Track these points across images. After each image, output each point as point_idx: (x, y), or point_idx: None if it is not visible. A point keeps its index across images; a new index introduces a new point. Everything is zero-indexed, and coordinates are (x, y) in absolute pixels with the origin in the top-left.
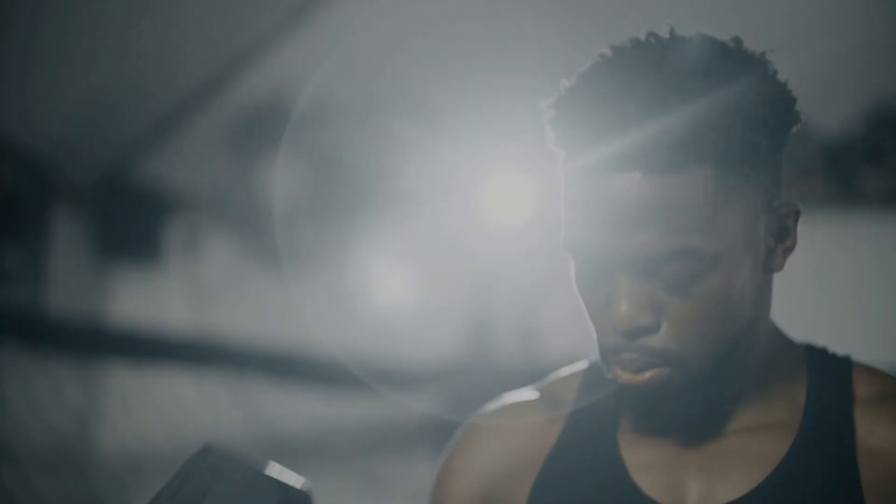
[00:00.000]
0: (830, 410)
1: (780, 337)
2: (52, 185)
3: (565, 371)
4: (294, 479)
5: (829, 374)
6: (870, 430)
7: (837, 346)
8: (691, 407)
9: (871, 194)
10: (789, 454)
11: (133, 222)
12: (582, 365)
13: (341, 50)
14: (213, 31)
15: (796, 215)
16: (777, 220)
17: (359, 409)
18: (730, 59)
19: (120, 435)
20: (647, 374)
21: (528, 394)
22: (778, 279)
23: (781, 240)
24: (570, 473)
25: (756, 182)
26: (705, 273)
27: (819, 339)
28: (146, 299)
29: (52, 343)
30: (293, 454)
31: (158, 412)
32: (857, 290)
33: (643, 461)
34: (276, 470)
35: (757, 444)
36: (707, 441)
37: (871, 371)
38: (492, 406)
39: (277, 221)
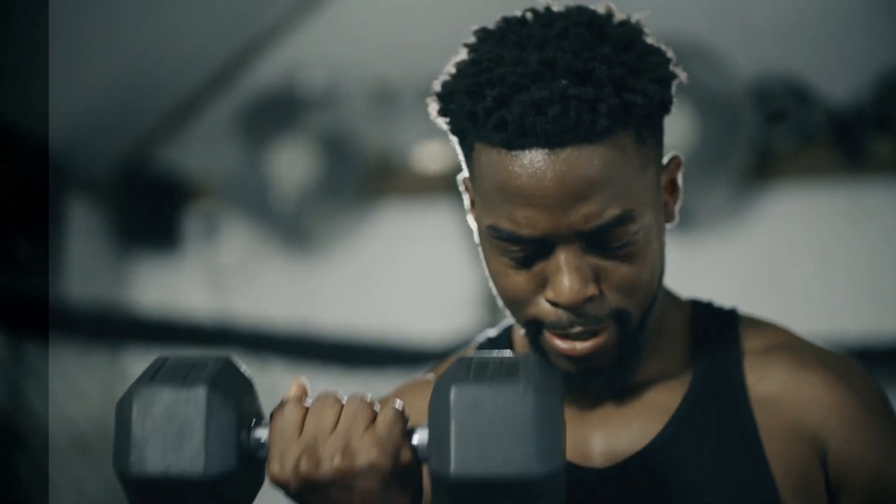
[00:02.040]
0: (720, 362)
1: (668, 293)
2: (68, 176)
3: (458, 354)
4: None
5: (715, 328)
6: (760, 378)
7: (848, 316)
8: (610, 385)
9: (879, 163)
10: (683, 403)
11: (150, 210)
12: (474, 344)
13: (352, 33)
14: (225, 18)
15: (680, 167)
16: (668, 174)
17: (372, 388)
18: (617, 25)
19: None
20: (590, 342)
21: (422, 379)
22: (788, 249)
23: (672, 192)
24: None
25: (657, 140)
26: (638, 234)
27: (830, 309)
28: (165, 286)
29: (72, 331)
30: None
31: None
32: (867, 260)
33: None
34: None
35: (653, 396)
36: (604, 397)
37: (758, 322)
38: (394, 390)
39: (292, 205)
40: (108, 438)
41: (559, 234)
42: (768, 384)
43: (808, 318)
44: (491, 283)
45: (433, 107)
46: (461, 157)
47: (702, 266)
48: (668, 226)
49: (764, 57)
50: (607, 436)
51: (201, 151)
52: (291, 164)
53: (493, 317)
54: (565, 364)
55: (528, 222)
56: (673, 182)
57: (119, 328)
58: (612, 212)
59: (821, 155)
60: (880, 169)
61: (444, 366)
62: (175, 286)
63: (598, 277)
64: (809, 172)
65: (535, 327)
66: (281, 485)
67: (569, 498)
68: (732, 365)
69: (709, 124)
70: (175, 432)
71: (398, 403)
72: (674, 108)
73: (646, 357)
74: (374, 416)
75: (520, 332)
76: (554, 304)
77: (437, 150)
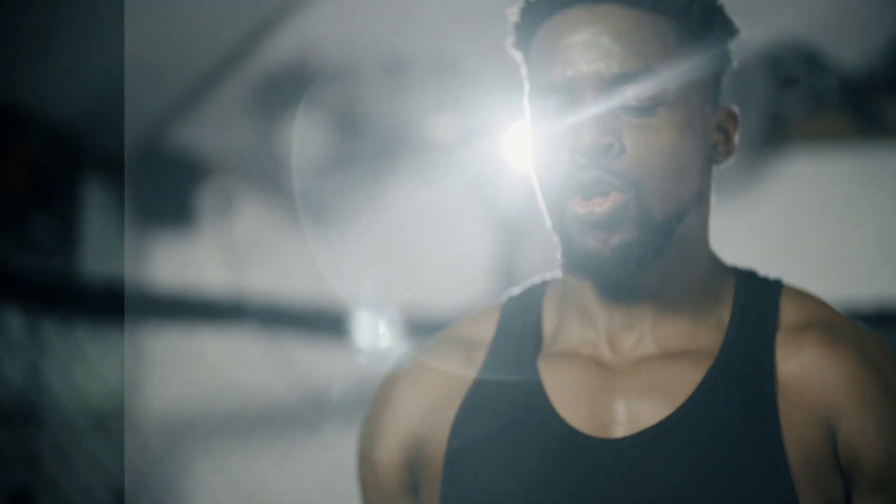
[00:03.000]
0: (752, 336)
1: (713, 255)
2: (84, 155)
3: (481, 309)
4: None
5: (756, 299)
6: (788, 355)
7: (863, 280)
8: (630, 260)
9: (892, 127)
10: (706, 378)
11: (165, 188)
12: (499, 301)
13: (364, 8)
14: None
15: (735, 119)
16: (720, 118)
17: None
18: None
19: (173, 396)
20: (607, 203)
21: (446, 335)
22: (801, 214)
23: (725, 140)
24: (490, 406)
25: (707, 66)
26: (663, 107)
27: (844, 273)
28: (181, 263)
29: (89, 309)
30: (329, 407)
31: (208, 373)
32: (881, 223)
33: (565, 388)
34: None
35: (678, 367)
36: (631, 361)
37: (800, 297)
38: (412, 352)
39: (306, 180)
40: (129, 421)
41: (586, 82)
42: (795, 363)
43: (822, 283)
44: (536, 184)
45: (510, 41)
46: (525, 73)
47: (715, 232)
48: (719, 167)
49: (775, 23)
50: (629, 405)
51: (216, 129)
52: (305, 140)
53: (509, 287)
54: (586, 239)
55: (561, 68)
56: (726, 133)
57: (135, 305)
58: (636, 64)
59: (833, 120)
60: (893, 133)
61: (461, 324)
62: (191, 263)
63: (619, 136)
64: (822, 137)
65: (561, 198)
66: None
67: (586, 472)
68: (765, 339)
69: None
70: None
71: None
72: None
73: (679, 319)
74: None
75: (550, 291)
76: (576, 153)
77: (449, 123)
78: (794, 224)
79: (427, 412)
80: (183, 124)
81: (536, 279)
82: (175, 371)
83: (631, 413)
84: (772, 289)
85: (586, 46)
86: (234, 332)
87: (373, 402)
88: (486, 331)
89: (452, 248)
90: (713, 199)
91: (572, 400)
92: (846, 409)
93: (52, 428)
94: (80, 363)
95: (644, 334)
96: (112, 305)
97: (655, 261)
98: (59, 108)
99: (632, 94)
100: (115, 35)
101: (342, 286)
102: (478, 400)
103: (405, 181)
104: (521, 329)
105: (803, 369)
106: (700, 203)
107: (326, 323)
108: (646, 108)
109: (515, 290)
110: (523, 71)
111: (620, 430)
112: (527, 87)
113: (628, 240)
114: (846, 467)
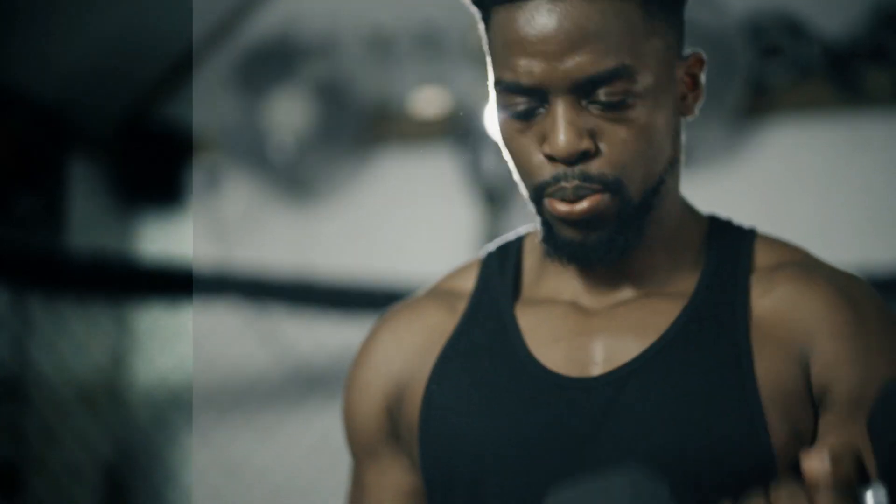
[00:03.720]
0: (727, 277)
1: (686, 204)
2: (69, 132)
3: (461, 264)
4: None
5: (731, 243)
6: (763, 293)
7: (848, 247)
8: (613, 251)
9: (876, 95)
10: (680, 316)
11: (151, 165)
12: (479, 256)
13: None
14: None
15: (701, 62)
16: (688, 68)
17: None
18: None
19: (159, 370)
20: (586, 203)
21: (429, 288)
22: (786, 183)
23: (693, 86)
24: (468, 351)
25: (673, 22)
26: (638, 99)
27: (829, 241)
28: (168, 240)
29: (76, 285)
30: (318, 382)
31: (192, 347)
32: (865, 191)
33: (543, 331)
34: None
35: (653, 307)
36: (608, 304)
37: (774, 241)
38: (396, 306)
39: (291, 155)
40: (112, 393)
41: (555, 84)
42: (769, 299)
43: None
44: (510, 164)
45: None
46: (484, 36)
47: (700, 202)
48: (689, 119)
49: None
50: (605, 344)
51: (201, 105)
52: (289, 114)
53: None
54: (566, 231)
55: (527, 70)
56: (694, 77)
57: (122, 281)
58: (608, 63)
59: (817, 89)
60: (877, 101)
61: (443, 279)
62: (178, 239)
63: (594, 136)
64: (806, 106)
65: (538, 193)
66: None
67: (563, 413)
68: (739, 280)
69: None
70: None
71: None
72: None
73: (656, 264)
74: None
75: (529, 243)
76: (550, 158)
77: (433, 95)
78: (778, 193)
79: (408, 358)
80: (168, 100)
81: (511, 234)
82: (161, 345)
83: (607, 353)
84: (746, 235)
85: (553, 48)
86: (220, 306)
87: (357, 352)
88: (466, 283)
89: (437, 221)
90: (682, 151)
91: (549, 343)
92: (819, 337)
93: (39, 404)
94: (65, 339)
95: (622, 281)
96: (98, 281)
97: (639, 236)
98: (45, 85)
99: (604, 91)
100: (100, 12)
101: (327, 259)
102: (457, 346)
103: (390, 154)
104: (500, 279)
105: (777, 304)
106: (674, 165)
107: (312, 296)
108: (618, 102)
109: (493, 245)
110: (481, 30)
111: (597, 370)
112: (490, 69)
113: (609, 233)
114: (818, 396)
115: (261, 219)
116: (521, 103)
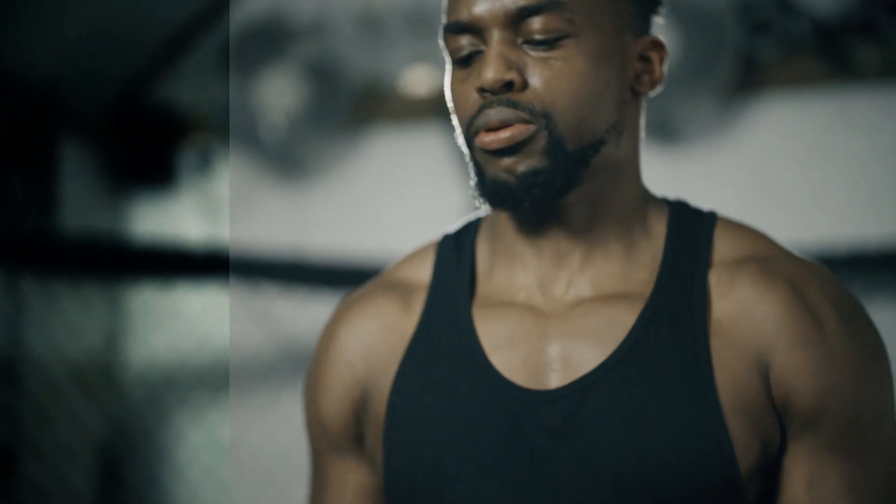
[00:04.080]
0: (685, 274)
1: (645, 190)
2: (60, 115)
3: (416, 249)
4: None
5: (689, 233)
6: (722, 295)
7: (838, 223)
8: (536, 187)
9: (866, 70)
10: (638, 322)
11: (143, 147)
12: (435, 240)
13: None
14: None
15: (660, 47)
16: (642, 47)
17: None
18: None
19: (151, 350)
20: (509, 131)
21: (383, 278)
22: (776, 159)
23: (649, 71)
24: (428, 360)
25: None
26: (570, 38)
27: (820, 217)
28: (160, 222)
29: (68, 267)
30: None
31: (186, 327)
32: (856, 167)
33: (499, 337)
34: None
35: (610, 311)
36: (563, 305)
37: (734, 229)
38: (350, 299)
39: (282, 135)
40: (106, 374)
41: (491, 16)
42: (728, 302)
43: (798, 226)
44: (453, 118)
45: None
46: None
47: (690, 179)
48: (646, 97)
49: None
50: (562, 352)
51: (192, 86)
52: (281, 94)
53: None
54: (492, 166)
55: (466, 6)
56: (646, 58)
57: (114, 262)
58: None
59: (807, 64)
60: (867, 76)
61: (397, 266)
62: (170, 221)
63: (524, 71)
64: (796, 82)
65: (469, 132)
66: None
67: (521, 425)
68: (698, 278)
69: (692, 37)
70: None
71: None
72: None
73: (611, 253)
74: None
75: (485, 229)
76: (481, 91)
77: (424, 74)
78: (768, 169)
79: (371, 363)
80: (159, 82)
81: (472, 216)
82: (153, 325)
83: (564, 360)
84: (705, 222)
85: None
86: (212, 286)
87: (315, 350)
88: (422, 273)
89: (429, 199)
90: (642, 133)
91: (506, 349)
92: (778, 347)
93: (32, 385)
94: (58, 320)
95: (575, 275)
96: (90, 261)
97: (569, 191)
98: (36, 67)
99: (537, 27)
100: None
101: (319, 239)
102: (417, 354)
103: (381, 133)
104: (455, 273)
105: (736, 308)
106: (620, 134)
107: (304, 275)
108: (552, 41)
109: (452, 228)
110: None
111: (555, 378)
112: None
113: (535, 167)
114: (780, 406)
115: (253, 199)
116: (464, 47)
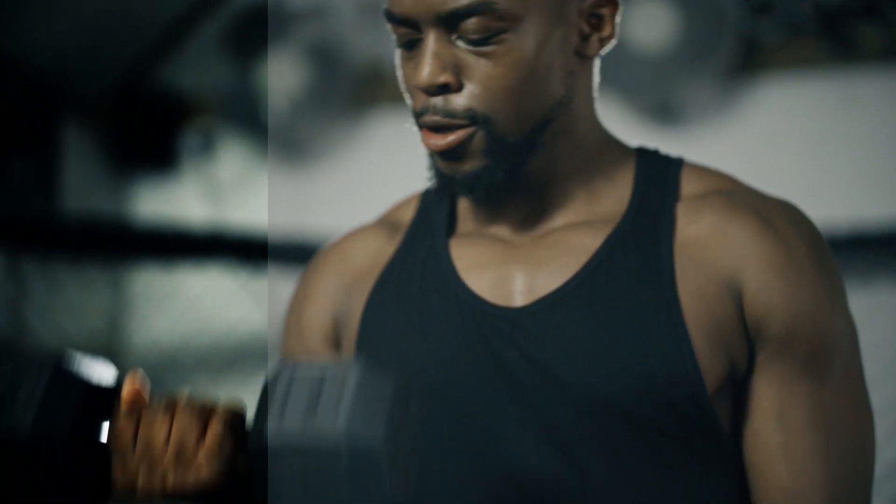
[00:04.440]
0: (652, 206)
1: (608, 137)
2: (63, 99)
3: (406, 197)
4: (101, 371)
5: (657, 173)
6: (689, 221)
7: (839, 204)
8: (478, 187)
9: (868, 52)
10: (604, 245)
11: (145, 130)
12: (421, 190)
13: None
14: None
15: (612, 5)
16: (590, 7)
17: None
18: None
19: (153, 332)
20: (453, 136)
21: (376, 220)
22: (777, 141)
23: (598, 28)
24: (402, 279)
25: None
26: (507, 33)
27: (820, 198)
28: (163, 205)
29: (70, 250)
30: None
31: (188, 308)
32: (857, 149)
33: (473, 261)
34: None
35: (577, 237)
36: (533, 236)
37: (701, 170)
38: (337, 237)
39: (285, 117)
40: (108, 356)
41: (422, 16)
42: (696, 227)
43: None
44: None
45: None
46: None
47: (691, 159)
48: (602, 51)
49: None
50: (528, 274)
51: (194, 68)
52: (283, 77)
53: None
54: (438, 161)
55: (398, 0)
56: (597, 16)
57: (116, 244)
58: None
59: (809, 46)
60: (869, 58)
61: (386, 212)
62: (173, 204)
63: (460, 71)
64: (797, 64)
65: (416, 122)
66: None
67: (488, 339)
68: (665, 208)
69: (693, 18)
70: None
71: (228, 408)
72: (658, 5)
73: (575, 197)
74: (206, 429)
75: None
76: (417, 90)
77: None
78: (769, 150)
79: (351, 283)
80: (162, 64)
81: None
82: (156, 307)
83: (530, 282)
84: (672, 164)
85: None
86: (213, 268)
87: (302, 276)
88: (406, 214)
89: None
90: (595, 92)
91: (477, 271)
92: (750, 268)
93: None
94: (60, 302)
95: (543, 214)
96: (92, 243)
97: (516, 176)
98: (39, 50)
99: (471, 28)
100: None
101: (320, 220)
102: (392, 273)
103: (383, 115)
104: (436, 210)
105: (703, 231)
106: (569, 104)
107: (305, 257)
108: (487, 39)
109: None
110: None
111: (520, 299)
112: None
113: (476, 168)
114: (752, 330)
115: (255, 181)
116: (403, 34)
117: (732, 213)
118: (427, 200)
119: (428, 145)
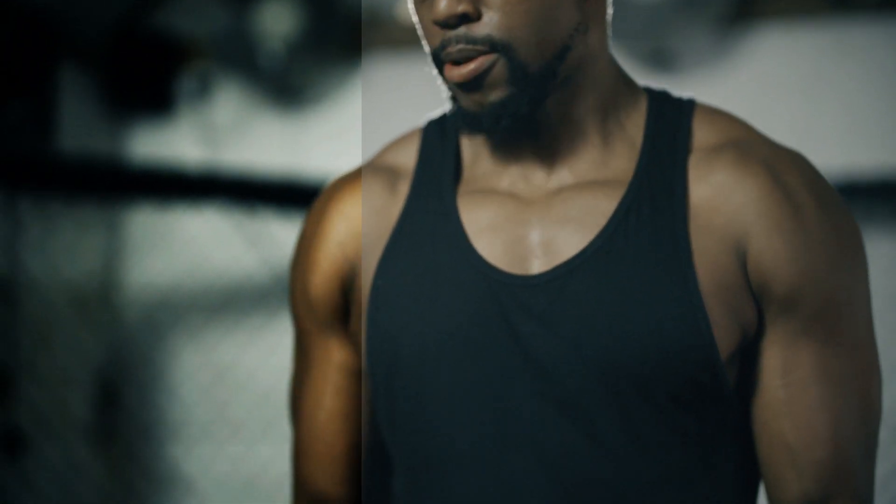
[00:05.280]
0: (665, 160)
1: (622, 75)
2: (60, 40)
3: (402, 135)
4: None
5: (669, 120)
6: (701, 178)
7: (833, 152)
8: (504, 116)
9: (863, 1)
10: (619, 208)
11: (142, 73)
12: (420, 126)
13: None
14: None
15: None
16: None
17: None
18: None
19: (147, 272)
20: (473, 64)
21: (370, 163)
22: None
23: None
24: (412, 244)
25: None
26: None
27: (815, 146)
28: (159, 147)
29: (66, 190)
30: None
31: (182, 249)
32: (851, 97)
33: (483, 222)
34: None
35: (591, 197)
36: (546, 191)
37: (713, 115)
38: (339, 181)
39: (280, 61)
40: (103, 295)
41: None
42: (707, 186)
43: None
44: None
45: None
46: None
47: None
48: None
49: None
50: (543, 238)
51: (191, 12)
52: (279, 21)
53: None
54: (462, 97)
55: None
56: None
57: (111, 183)
58: None
59: None
60: (863, 7)
61: (384, 151)
62: (169, 146)
63: (478, 0)
64: (793, 12)
65: (437, 62)
66: None
67: (504, 309)
68: (677, 164)
69: None
70: None
71: None
72: None
73: (590, 147)
74: None
75: None
76: (437, 24)
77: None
78: (764, 99)
79: (359, 244)
80: (159, 7)
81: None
82: (151, 248)
83: (546, 246)
84: (684, 109)
85: None
86: (208, 209)
87: (304, 230)
88: (408, 158)
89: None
90: (608, 19)
91: (489, 235)
92: (756, 229)
93: (29, 307)
94: (56, 241)
95: (555, 164)
96: (88, 183)
97: (540, 106)
98: None
99: None
100: None
101: (315, 164)
102: (401, 238)
103: (379, 60)
104: (440, 158)
105: (714, 192)
106: (586, 32)
107: (299, 199)
108: None
109: (435, 114)
110: None
111: (536, 264)
112: None
113: (501, 97)
114: (757, 289)
115: (250, 124)
116: None
117: (743, 169)
118: (428, 143)
119: (451, 77)
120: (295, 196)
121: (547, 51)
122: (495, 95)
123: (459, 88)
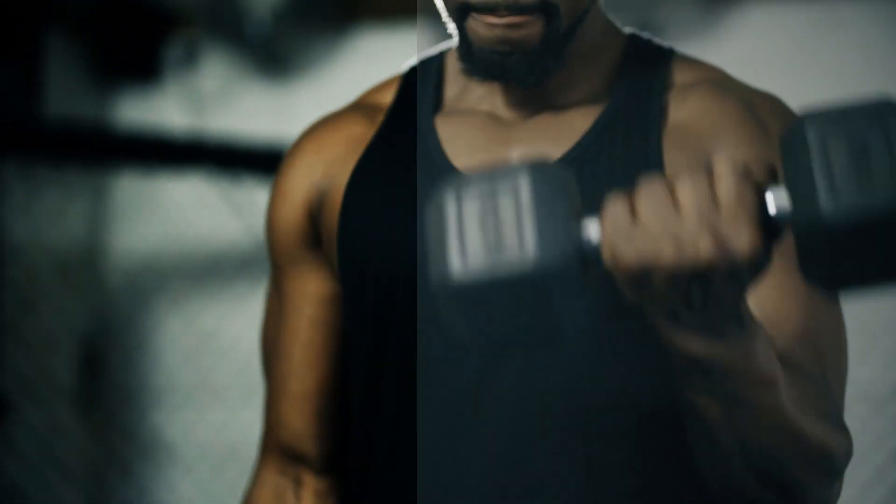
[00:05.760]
0: (642, 90)
1: (607, 21)
2: (46, 5)
3: (385, 80)
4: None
5: (648, 61)
6: (677, 106)
7: None
8: (534, 73)
9: None
10: (594, 126)
11: (129, 40)
12: (401, 71)
13: None
14: None
15: None
16: None
17: None
18: None
19: (132, 237)
20: (523, 30)
21: (351, 104)
22: (761, 62)
23: None
24: (387, 159)
25: None
26: None
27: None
28: (145, 114)
29: (51, 155)
30: None
31: (167, 215)
32: (839, 70)
33: (461, 140)
34: None
35: (568, 117)
36: (523, 117)
37: (692, 61)
38: (319, 119)
39: (268, 30)
40: (87, 261)
41: None
42: (682, 110)
43: None
44: None
45: None
46: None
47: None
48: None
49: None
50: (522, 153)
51: None
52: None
53: None
54: (492, 55)
55: None
56: None
57: (97, 149)
58: None
59: None
60: None
61: (364, 94)
62: (155, 114)
63: None
64: None
65: (462, 13)
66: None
67: None
68: (654, 94)
69: None
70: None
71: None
72: None
73: (572, 79)
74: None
75: (452, 58)
76: None
77: None
78: (751, 73)
79: (329, 166)
80: None
81: (433, 50)
82: (136, 214)
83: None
84: (665, 53)
85: None
86: (194, 175)
87: (281, 164)
88: (385, 97)
89: None
90: None
91: (467, 151)
92: (726, 145)
93: (13, 271)
94: (41, 206)
95: (539, 95)
96: (73, 148)
97: (560, 62)
98: None
99: None
100: None
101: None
102: (376, 153)
103: (367, 28)
104: (421, 90)
105: (688, 115)
106: None
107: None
108: None
109: (415, 60)
110: None
111: None
112: None
113: (532, 56)
114: None
115: (236, 92)
116: None
117: (719, 97)
118: (408, 81)
119: (488, 23)
120: (280, 164)
121: (578, 14)
122: (523, 55)
123: (488, 36)
